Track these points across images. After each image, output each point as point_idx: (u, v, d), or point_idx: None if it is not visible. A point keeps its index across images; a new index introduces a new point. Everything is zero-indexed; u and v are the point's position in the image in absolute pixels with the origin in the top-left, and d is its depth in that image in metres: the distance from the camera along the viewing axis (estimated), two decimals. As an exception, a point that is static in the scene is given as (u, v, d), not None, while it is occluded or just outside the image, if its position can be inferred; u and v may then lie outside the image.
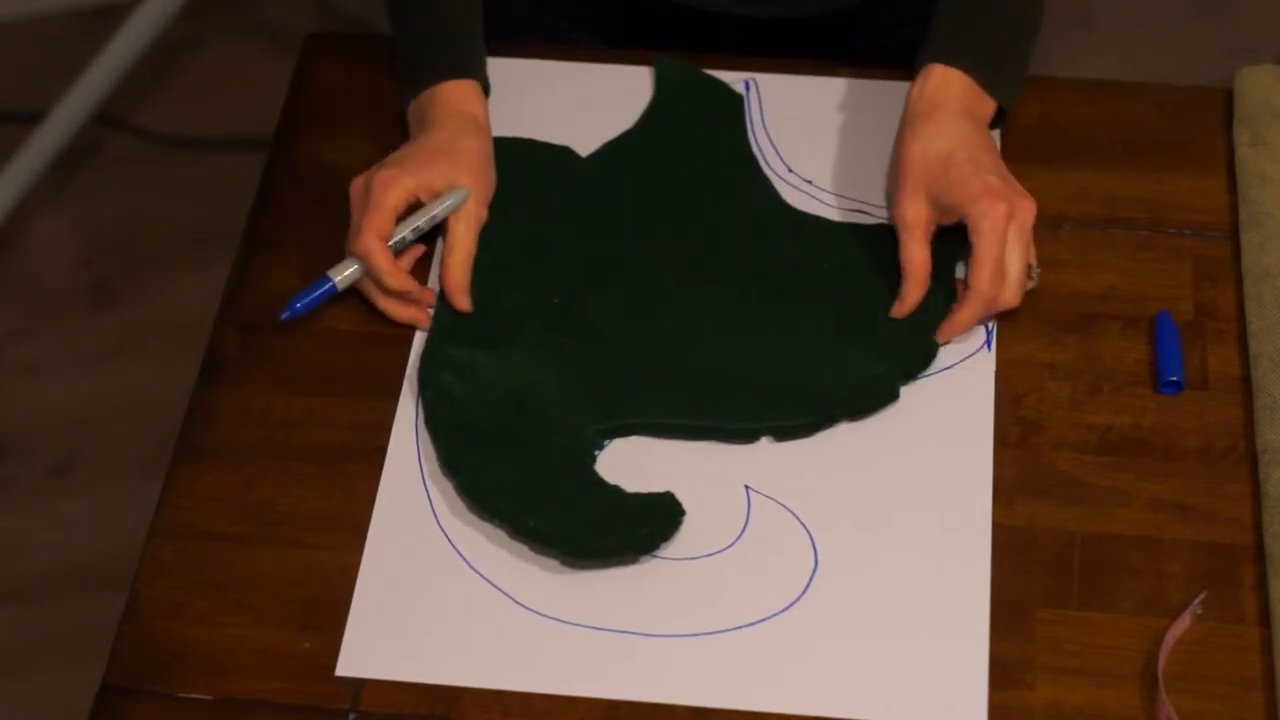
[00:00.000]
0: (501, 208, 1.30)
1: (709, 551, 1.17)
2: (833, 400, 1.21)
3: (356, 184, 1.26)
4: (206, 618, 1.15)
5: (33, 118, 2.31)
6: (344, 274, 1.25)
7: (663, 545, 1.16)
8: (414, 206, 1.26)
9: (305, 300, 1.25)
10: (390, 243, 1.24)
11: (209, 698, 1.13)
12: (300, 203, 1.34)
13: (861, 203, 1.33)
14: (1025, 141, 1.34)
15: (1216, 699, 1.11)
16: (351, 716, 1.12)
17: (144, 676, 1.13)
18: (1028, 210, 1.22)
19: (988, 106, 1.29)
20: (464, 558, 1.17)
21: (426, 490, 1.20)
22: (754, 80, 1.39)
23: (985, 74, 1.28)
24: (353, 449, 1.22)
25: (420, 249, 1.29)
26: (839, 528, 1.18)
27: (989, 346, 1.25)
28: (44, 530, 2.14)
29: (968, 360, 1.25)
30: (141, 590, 1.17)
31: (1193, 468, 1.20)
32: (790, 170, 1.35)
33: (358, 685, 1.13)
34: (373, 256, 1.23)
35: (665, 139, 1.35)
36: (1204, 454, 1.21)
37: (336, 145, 1.36)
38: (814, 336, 1.24)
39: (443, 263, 1.26)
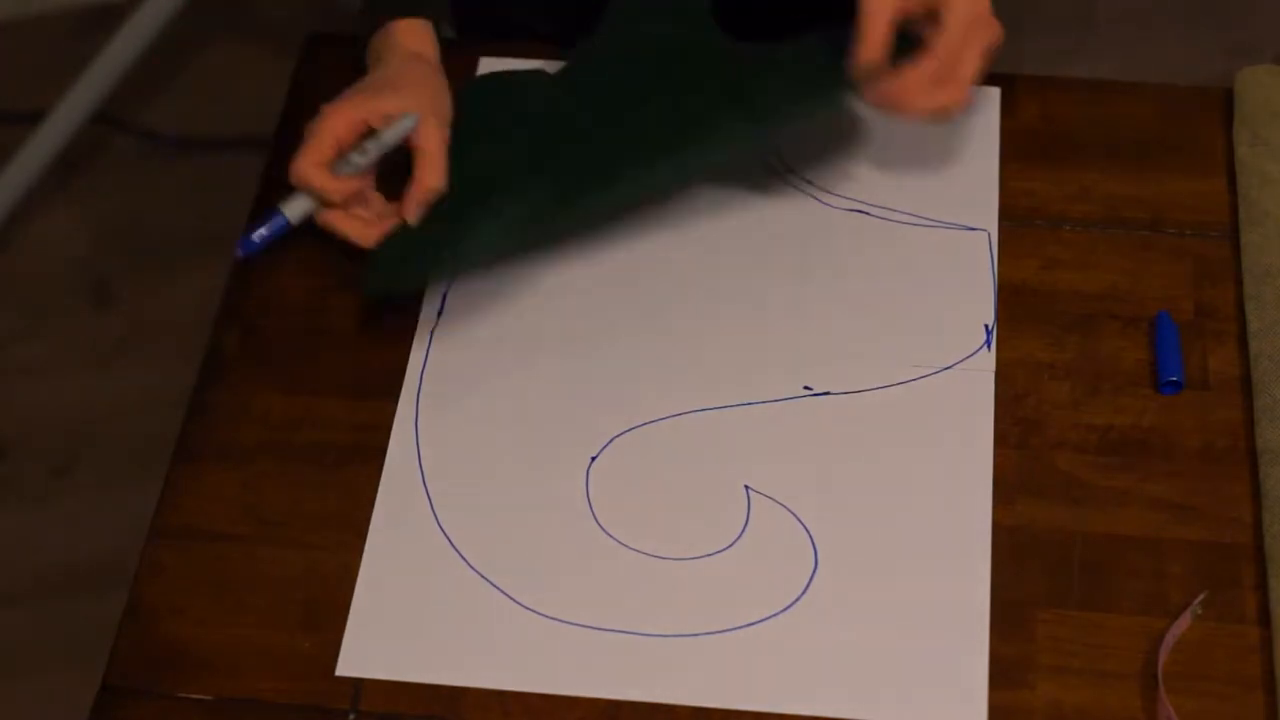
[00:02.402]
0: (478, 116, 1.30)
1: (709, 551, 1.17)
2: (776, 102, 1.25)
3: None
4: (206, 618, 1.15)
5: (33, 118, 2.31)
6: (294, 205, 1.24)
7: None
8: (367, 136, 1.25)
9: (261, 234, 1.24)
10: (344, 168, 1.23)
11: (209, 698, 1.13)
12: (300, 203, 1.34)
13: (862, 203, 1.33)
14: (1025, 141, 1.34)
15: (1216, 699, 1.11)
16: (351, 716, 1.12)
17: (144, 676, 1.14)
18: (997, 26, 1.23)
19: None
20: (464, 558, 1.17)
21: (426, 490, 1.20)
22: (754, 80, 1.39)
23: None
24: (353, 449, 1.22)
25: (354, 185, 1.25)
26: (839, 528, 1.18)
27: (989, 346, 1.25)
28: (44, 530, 2.14)
29: (968, 360, 1.25)
30: (141, 590, 1.17)
31: (1193, 468, 1.20)
32: (790, 170, 1.35)
33: (358, 685, 1.13)
34: (310, 179, 1.23)
35: (637, 26, 1.34)
36: (1204, 454, 1.21)
37: (336, 145, 1.36)
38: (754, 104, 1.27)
39: (414, 176, 1.25)
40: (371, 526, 1.19)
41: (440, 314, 1.28)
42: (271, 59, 2.50)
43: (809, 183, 1.34)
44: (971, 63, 1.23)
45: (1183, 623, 1.13)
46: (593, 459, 1.21)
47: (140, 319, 2.30)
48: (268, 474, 1.21)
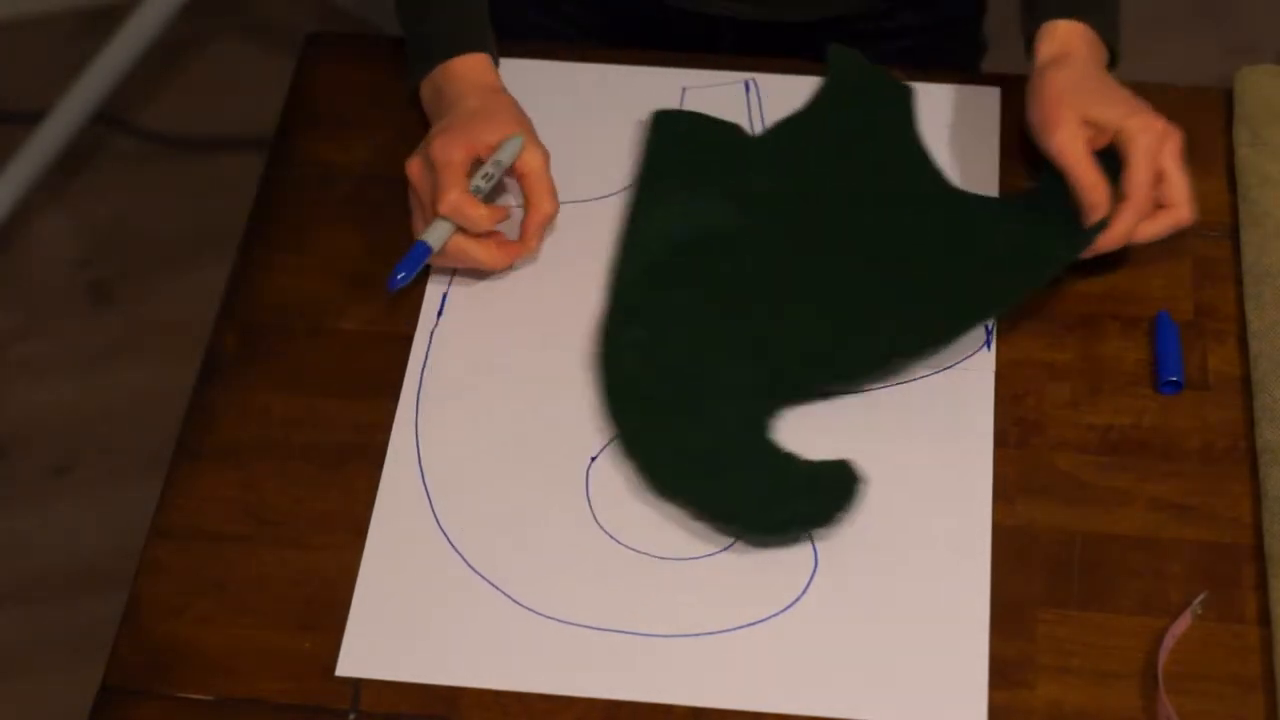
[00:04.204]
0: (670, 187, 1.30)
1: (709, 551, 1.17)
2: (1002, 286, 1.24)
3: (413, 165, 1.26)
4: (206, 618, 1.15)
5: (33, 118, 2.31)
6: (436, 234, 1.25)
7: (840, 520, 1.16)
8: (474, 167, 1.26)
9: (408, 268, 1.24)
10: (474, 194, 1.25)
11: (209, 698, 1.13)
12: (300, 203, 1.34)
13: (862, 203, 1.33)
14: (1025, 141, 1.34)
15: (1216, 699, 1.11)
16: (351, 716, 1.12)
17: (144, 676, 1.13)
18: (1180, 134, 1.25)
19: (1104, 54, 1.32)
20: (464, 558, 1.17)
21: (426, 490, 1.20)
22: (754, 80, 1.39)
23: (1101, 22, 1.31)
24: (353, 449, 1.22)
25: (504, 213, 1.27)
26: (838, 528, 1.18)
27: (989, 346, 1.25)
28: (44, 530, 2.14)
29: (968, 360, 1.25)
30: (141, 590, 1.17)
31: (1193, 468, 1.20)
32: (791, 170, 1.35)
33: (358, 685, 1.13)
34: (465, 209, 1.23)
35: (837, 124, 1.35)
36: (1204, 454, 1.21)
37: (336, 145, 1.36)
38: (976, 285, 1.26)
39: (529, 203, 1.27)
40: (371, 526, 1.19)
41: (440, 314, 1.28)
42: (271, 59, 2.50)
43: (809, 183, 1.34)
44: (1176, 179, 1.24)
45: (1183, 623, 1.13)
46: (592, 459, 1.21)
47: (139, 319, 2.30)
48: (268, 474, 1.21)
